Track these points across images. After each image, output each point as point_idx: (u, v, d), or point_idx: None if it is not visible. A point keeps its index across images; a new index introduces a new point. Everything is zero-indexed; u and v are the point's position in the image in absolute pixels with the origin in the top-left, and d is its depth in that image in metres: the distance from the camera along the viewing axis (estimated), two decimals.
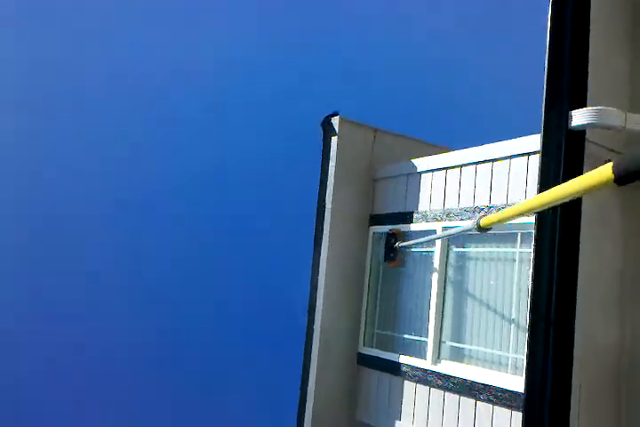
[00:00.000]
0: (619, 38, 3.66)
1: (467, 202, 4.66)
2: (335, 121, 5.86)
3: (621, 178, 1.68)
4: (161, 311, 13.54)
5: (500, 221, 3.20)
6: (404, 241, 5.27)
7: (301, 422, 5.55)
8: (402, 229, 5.36)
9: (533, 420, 3.30)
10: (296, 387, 5.71)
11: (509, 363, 4.10)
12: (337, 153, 5.80)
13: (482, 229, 3.45)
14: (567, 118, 3.24)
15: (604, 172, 1.73)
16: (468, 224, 3.64)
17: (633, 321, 3.43)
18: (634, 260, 3.44)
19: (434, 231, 4.94)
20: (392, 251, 5.38)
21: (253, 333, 14.13)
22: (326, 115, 6.08)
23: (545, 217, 3.42)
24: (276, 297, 13.57)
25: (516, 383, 3.85)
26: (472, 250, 4.64)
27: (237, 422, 13.16)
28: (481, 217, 3.41)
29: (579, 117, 3.19)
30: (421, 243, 4.91)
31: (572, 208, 3.31)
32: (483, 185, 4.51)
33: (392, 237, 5.41)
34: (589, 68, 3.21)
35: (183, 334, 13.70)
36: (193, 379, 13.44)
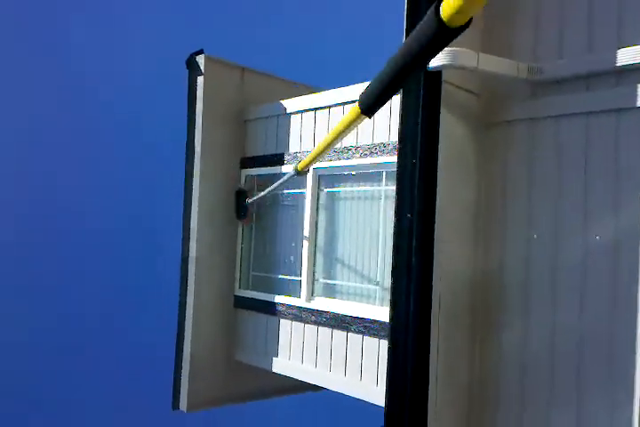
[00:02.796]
0: None
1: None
2: (200, 59, 5.60)
3: (365, 110, 2.18)
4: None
5: (311, 163, 3.72)
6: (252, 197, 5.34)
7: (179, 366, 5.58)
8: (246, 188, 5.51)
9: (398, 345, 3.54)
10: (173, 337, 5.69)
11: (377, 295, 4.33)
12: (204, 93, 5.58)
13: (300, 172, 3.98)
14: None
15: (355, 109, 2.27)
16: (290, 171, 4.21)
17: (483, 255, 3.72)
18: (486, 199, 3.69)
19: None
20: (243, 209, 5.42)
21: (130, 283, 13.84)
22: (190, 53, 5.80)
23: (406, 157, 3.54)
24: (149, 245, 13.28)
25: (383, 314, 4.09)
26: (342, 189, 4.75)
27: (116, 372, 13.06)
28: (297, 162, 3.96)
29: (435, 59, 3.27)
30: (266, 194, 5.02)
31: (430, 152, 3.44)
32: None
33: (240, 194, 5.46)
34: None
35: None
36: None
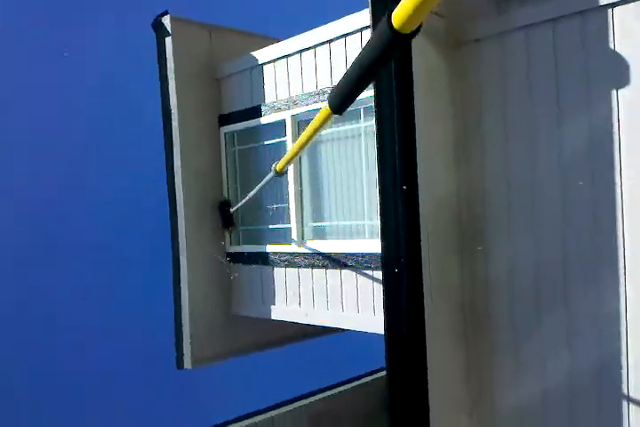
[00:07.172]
0: None
1: (310, 87, 4.74)
2: (166, 21, 5.56)
3: (336, 109, 2.33)
4: None
5: (288, 163, 3.88)
6: (234, 205, 5.55)
7: (179, 326, 5.65)
8: (228, 198, 5.66)
9: (391, 271, 3.63)
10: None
11: (366, 230, 4.42)
12: (173, 54, 5.55)
13: (279, 173, 4.20)
14: None
15: (325, 109, 2.42)
16: (269, 174, 4.39)
17: (466, 175, 3.81)
18: (463, 119, 3.76)
19: (283, 121, 5.01)
20: (228, 218, 5.61)
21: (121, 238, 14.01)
22: (156, 15, 5.75)
23: (381, 91, 3.58)
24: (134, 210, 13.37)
25: (374, 246, 4.18)
26: (322, 132, 4.78)
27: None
28: (275, 163, 4.16)
29: None
30: (247, 200, 5.15)
31: (404, 78, 3.48)
32: (323, 67, 4.60)
33: (223, 204, 5.62)
34: None
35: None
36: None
